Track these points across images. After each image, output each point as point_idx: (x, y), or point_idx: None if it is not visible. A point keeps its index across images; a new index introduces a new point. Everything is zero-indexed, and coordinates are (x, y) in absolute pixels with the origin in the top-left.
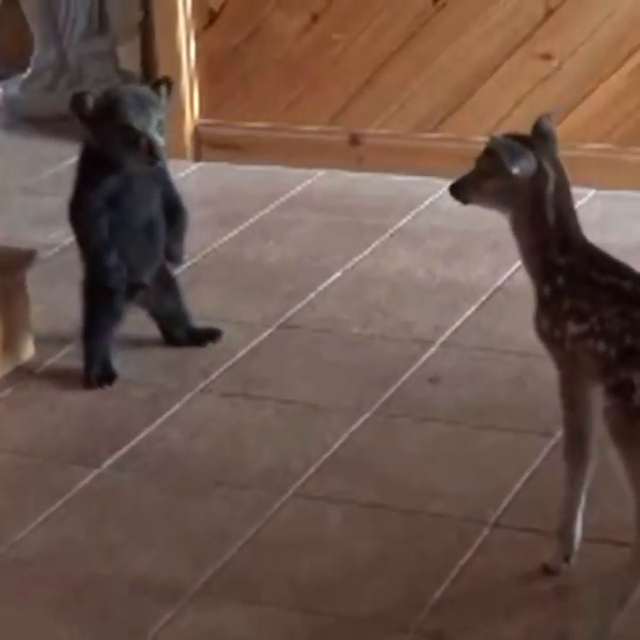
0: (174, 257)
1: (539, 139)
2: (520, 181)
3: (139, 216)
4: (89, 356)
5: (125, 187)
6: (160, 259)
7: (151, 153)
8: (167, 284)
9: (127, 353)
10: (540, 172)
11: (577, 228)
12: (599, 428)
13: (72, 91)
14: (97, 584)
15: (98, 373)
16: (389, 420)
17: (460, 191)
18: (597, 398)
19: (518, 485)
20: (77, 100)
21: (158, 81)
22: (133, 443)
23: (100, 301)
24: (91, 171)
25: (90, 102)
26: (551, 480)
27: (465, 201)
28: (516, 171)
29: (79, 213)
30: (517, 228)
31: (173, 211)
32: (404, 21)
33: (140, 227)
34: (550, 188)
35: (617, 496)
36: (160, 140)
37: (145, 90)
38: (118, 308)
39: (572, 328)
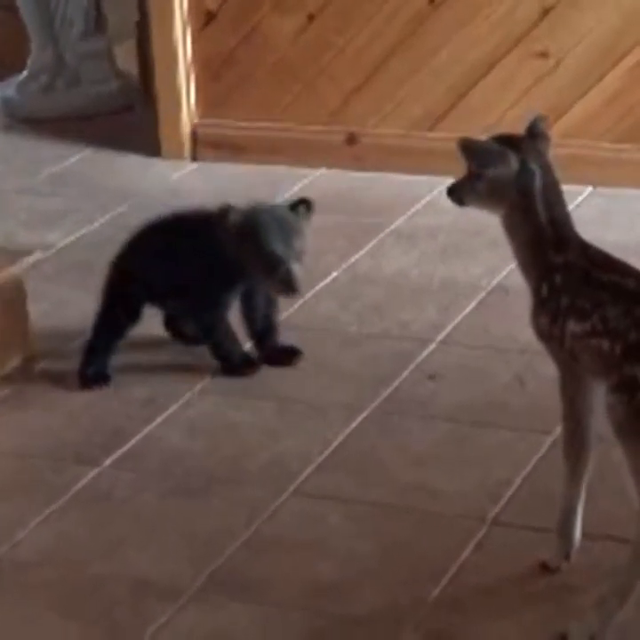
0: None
1: (529, 139)
2: (504, 181)
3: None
4: (88, 354)
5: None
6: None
7: (290, 284)
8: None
9: (126, 352)
10: (525, 172)
11: (571, 227)
12: (600, 425)
13: (68, 92)
14: (97, 584)
15: (93, 374)
16: (388, 419)
17: (455, 194)
18: (598, 395)
19: (517, 483)
20: (222, 214)
21: (298, 202)
22: (133, 442)
23: (122, 310)
24: (223, 278)
25: (232, 217)
26: (550, 477)
27: (461, 203)
28: (488, 172)
29: (214, 321)
30: (510, 228)
31: (271, 328)
32: (400, 21)
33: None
34: (537, 186)
35: (617, 493)
36: (299, 272)
37: (288, 213)
38: (137, 316)
39: (573, 326)
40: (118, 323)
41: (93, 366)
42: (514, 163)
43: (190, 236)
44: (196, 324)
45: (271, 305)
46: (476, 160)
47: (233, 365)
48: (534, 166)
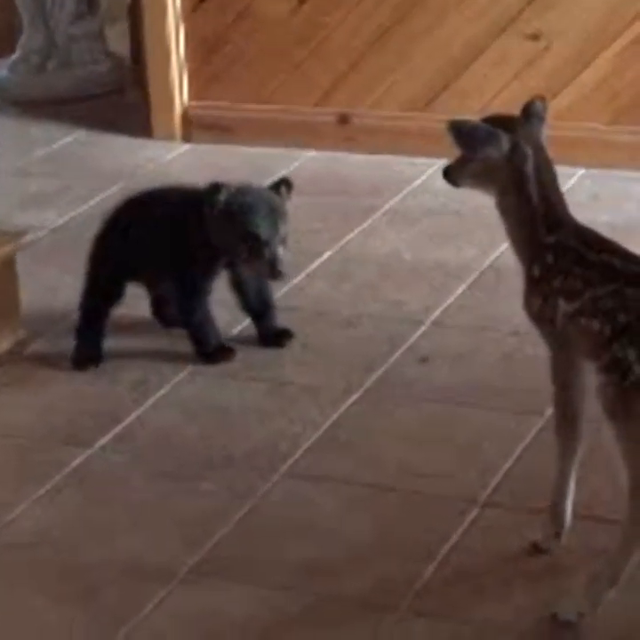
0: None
1: (523, 120)
2: (496, 162)
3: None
4: (80, 336)
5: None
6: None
7: (274, 267)
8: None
9: (116, 336)
10: (516, 152)
11: (564, 208)
12: (591, 406)
13: (59, 74)
14: (87, 566)
15: (86, 354)
16: (379, 400)
17: (449, 175)
18: (588, 376)
19: (508, 464)
20: (212, 190)
21: (279, 182)
22: (124, 424)
23: (103, 287)
24: (207, 263)
25: (223, 195)
26: (541, 459)
27: (455, 184)
28: (479, 153)
29: (193, 304)
30: (503, 209)
31: (266, 307)
32: (391, 2)
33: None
34: (529, 167)
35: (607, 474)
36: (283, 256)
37: (272, 195)
38: (119, 294)
39: (564, 306)
40: (102, 300)
41: (85, 347)
42: (505, 143)
43: (170, 212)
44: (176, 309)
45: (263, 283)
46: (466, 142)
47: (207, 352)
48: (526, 147)
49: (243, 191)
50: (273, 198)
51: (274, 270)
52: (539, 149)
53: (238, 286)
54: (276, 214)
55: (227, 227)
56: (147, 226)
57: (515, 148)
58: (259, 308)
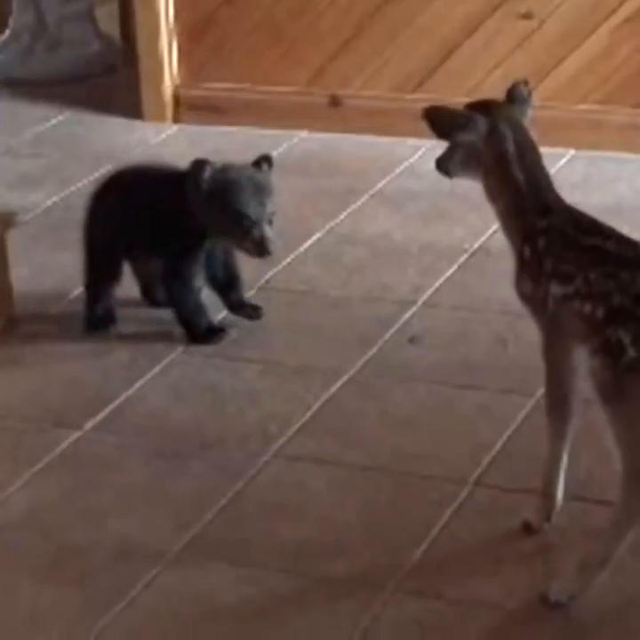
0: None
1: (505, 103)
2: (475, 146)
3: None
4: (91, 301)
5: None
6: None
7: (262, 245)
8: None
9: None
10: (494, 135)
11: (552, 190)
12: (582, 387)
13: (49, 54)
14: (79, 547)
15: (99, 317)
16: (370, 381)
17: (442, 166)
18: (580, 357)
19: (499, 445)
20: (197, 167)
21: (260, 159)
22: (114, 405)
23: (100, 262)
24: (192, 243)
25: (208, 173)
26: (532, 439)
27: (448, 174)
28: (456, 138)
29: (182, 286)
30: (490, 193)
31: (233, 278)
32: None
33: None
34: (510, 149)
35: (599, 455)
36: (271, 233)
37: (259, 173)
38: (117, 268)
39: (556, 289)
40: (102, 274)
41: (96, 315)
42: (482, 127)
43: (153, 191)
44: (165, 291)
45: (229, 256)
46: (441, 128)
47: (198, 334)
48: (505, 129)
49: (227, 169)
50: (258, 176)
51: (262, 248)
52: (520, 131)
53: (205, 259)
54: (262, 192)
55: (213, 205)
56: (130, 205)
57: (492, 130)
58: (226, 279)
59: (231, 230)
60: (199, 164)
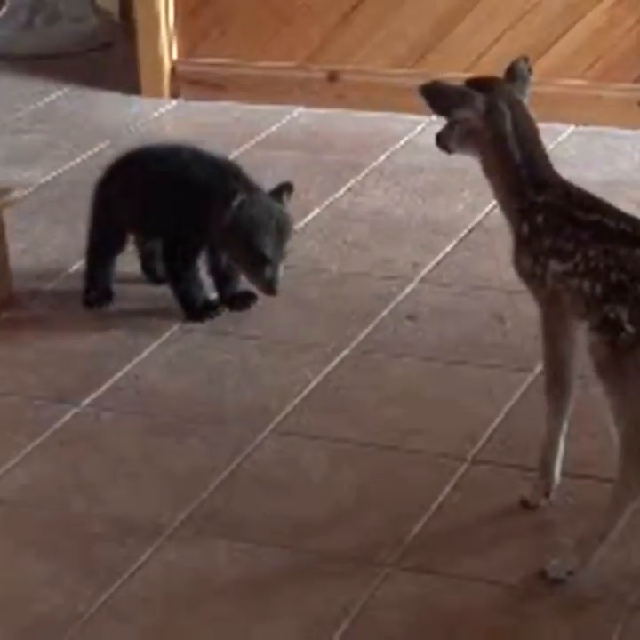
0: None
1: (504, 80)
2: (474, 123)
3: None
4: (90, 277)
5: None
6: None
7: (271, 286)
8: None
9: None
10: (493, 112)
11: (549, 167)
12: (580, 364)
13: (47, 29)
14: (76, 522)
15: (97, 294)
16: (368, 357)
17: (441, 141)
18: (578, 333)
19: (497, 421)
20: (229, 194)
21: (281, 187)
22: (112, 381)
23: (103, 234)
24: (197, 243)
25: (237, 202)
26: (530, 416)
27: (448, 150)
28: (454, 114)
29: (179, 260)
30: (487, 170)
31: (233, 271)
32: None
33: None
34: (508, 126)
35: (598, 432)
36: (281, 275)
37: (282, 210)
38: (120, 241)
39: (555, 266)
40: (104, 246)
41: (95, 288)
42: (480, 104)
43: (180, 181)
44: (165, 267)
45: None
46: (439, 104)
47: (194, 311)
48: (503, 106)
49: (256, 202)
50: (283, 216)
51: (269, 289)
52: (518, 108)
53: (208, 250)
54: (283, 233)
55: (235, 235)
56: (151, 185)
57: (491, 107)
58: (227, 271)
59: (245, 262)
60: (232, 192)
